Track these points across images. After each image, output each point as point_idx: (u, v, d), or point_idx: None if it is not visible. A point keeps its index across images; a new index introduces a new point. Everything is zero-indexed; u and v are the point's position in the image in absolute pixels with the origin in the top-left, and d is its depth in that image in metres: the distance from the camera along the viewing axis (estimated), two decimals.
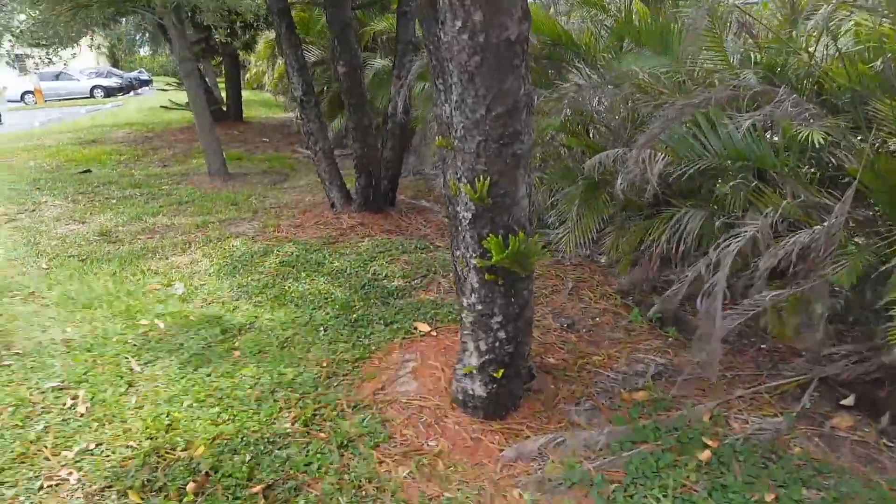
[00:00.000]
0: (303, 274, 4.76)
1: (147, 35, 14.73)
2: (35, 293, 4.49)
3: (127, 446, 2.77)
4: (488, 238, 2.48)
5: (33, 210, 6.87)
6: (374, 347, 3.63)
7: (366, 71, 7.63)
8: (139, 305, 4.24)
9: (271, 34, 11.39)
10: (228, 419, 2.95)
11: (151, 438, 2.82)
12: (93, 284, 4.61)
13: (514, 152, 2.44)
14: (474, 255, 2.60)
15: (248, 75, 21.56)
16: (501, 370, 2.78)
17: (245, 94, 16.36)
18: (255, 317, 4.06)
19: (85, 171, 8.88)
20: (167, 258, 5.23)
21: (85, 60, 32.22)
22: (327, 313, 4.08)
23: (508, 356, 2.79)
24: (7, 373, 3.40)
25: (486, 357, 2.78)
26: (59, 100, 27.54)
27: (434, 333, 3.77)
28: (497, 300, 2.68)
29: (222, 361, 3.50)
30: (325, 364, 3.45)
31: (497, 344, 2.76)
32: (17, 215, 6.66)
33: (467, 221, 2.57)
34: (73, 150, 10.81)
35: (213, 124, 8.64)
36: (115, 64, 36.57)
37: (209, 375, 3.35)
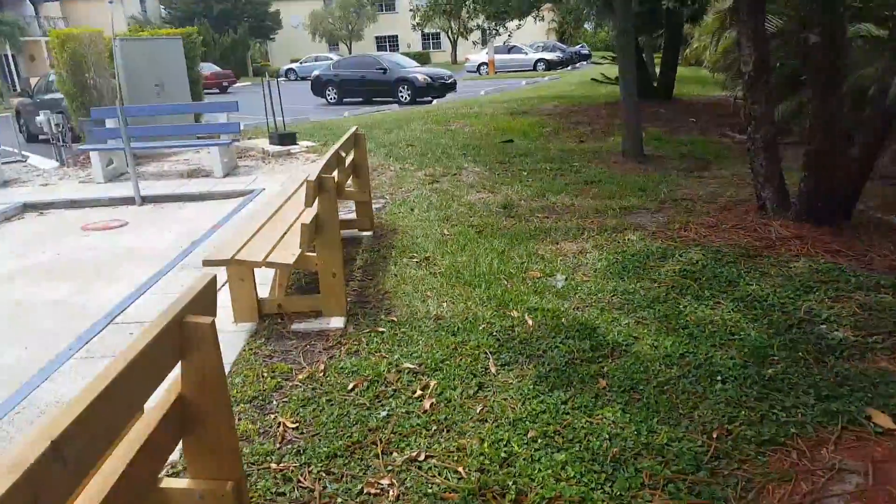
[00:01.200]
0: (706, 292, 3.72)
1: (594, 9, 14.75)
2: (429, 258, 4.57)
3: (455, 471, 2.35)
4: None
5: (455, 174, 7.35)
6: (793, 429, 2.45)
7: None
8: (515, 292, 3.88)
9: (723, 4, 10.02)
10: (573, 477, 2.26)
11: (482, 471, 2.33)
12: (480, 259, 4.47)
13: None
14: None
15: (686, 50, 20.29)
16: None
17: (680, 70, 15.19)
18: (635, 337, 3.26)
19: (507, 141, 9.28)
20: (557, 243, 4.80)
21: (534, 35, 35.45)
22: (731, 357, 3.01)
23: None
24: (378, 340, 3.39)
25: None
26: (507, 72, 30.97)
27: None
28: None
29: (583, 388, 2.83)
30: (714, 434, 2.46)
31: None
32: (441, 178, 7.21)
33: None
34: (504, 119, 11.53)
35: (637, 101, 7.98)
36: (561, 38, 39.20)
37: (565, 403, 2.72)
